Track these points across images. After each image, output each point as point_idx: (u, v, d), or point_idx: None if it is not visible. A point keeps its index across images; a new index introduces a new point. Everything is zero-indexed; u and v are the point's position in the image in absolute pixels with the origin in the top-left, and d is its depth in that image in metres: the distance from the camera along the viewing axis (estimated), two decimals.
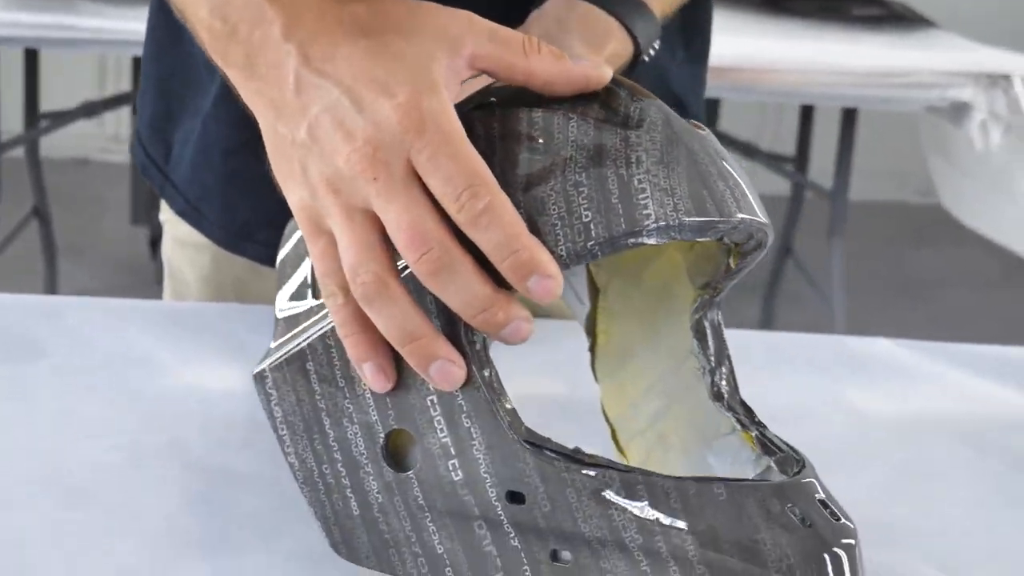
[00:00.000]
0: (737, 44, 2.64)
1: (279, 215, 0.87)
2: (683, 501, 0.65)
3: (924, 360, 1.11)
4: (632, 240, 0.66)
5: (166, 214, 1.25)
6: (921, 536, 0.85)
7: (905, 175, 3.90)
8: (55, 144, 4.07)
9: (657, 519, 0.65)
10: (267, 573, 0.74)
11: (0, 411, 0.92)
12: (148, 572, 0.72)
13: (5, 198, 2.97)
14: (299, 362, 0.74)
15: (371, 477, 0.72)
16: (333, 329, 0.73)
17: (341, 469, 0.73)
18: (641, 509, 0.66)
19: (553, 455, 0.68)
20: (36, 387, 0.95)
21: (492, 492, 0.68)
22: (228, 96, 1.09)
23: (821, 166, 3.19)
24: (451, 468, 0.69)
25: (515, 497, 0.68)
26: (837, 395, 1.06)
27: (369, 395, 0.72)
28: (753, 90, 2.78)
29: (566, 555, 0.68)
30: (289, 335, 0.76)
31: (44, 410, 0.92)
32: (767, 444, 0.74)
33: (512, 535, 0.68)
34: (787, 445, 0.74)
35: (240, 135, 1.10)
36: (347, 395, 0.72)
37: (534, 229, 0.67)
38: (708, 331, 0.80)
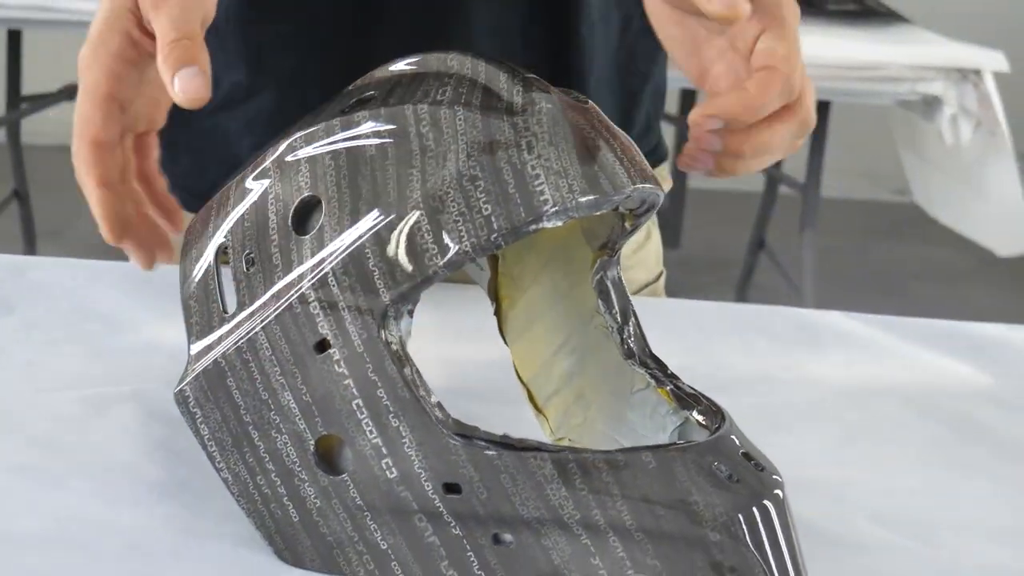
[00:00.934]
0: None
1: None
2: (615, 474, 0.66)
3: (877, 332, 1.12)
4: (533, 227, 0.68)
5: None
6: (866, 493, 0.86)
7: (880, 175, 3.93)
8: (36, 129, 4.04)
9: (592, 494, 0.66)
10: (227, 517, 0.74)
11: None
12: (107, 513, 0.72)
13: None
14: (218, 378, 0.74)
15: (306, 484, 0.72)
16: (249, 341, 0.73)
17: (276, 479, 0.73)
18: (575, 487, 0.67)
19: (484, 444, 0.69)
20: (3, 341, 0.96)
21: (428, 486, 0.69)
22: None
23: (796, 163, 3.20)
24: (385, 467, 0.69)
25: (451, 488, 0.69)
26: (791, 362, 1.07)
27: (294, 404, 0.72)
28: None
29: (508, 538, 0.69)
30: (205, 355, 0.76)
31: (10, 363, 0.92)
32: (683, 397, 0.76)
33: (452, 524, 0.69)
34: (704, 397, 0.75)
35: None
36: (271, 407, 0.72)
37: (436, 227, 0.68)
38: (611, 289, 0.81)
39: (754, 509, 0.67)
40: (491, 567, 0.70)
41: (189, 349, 0.75)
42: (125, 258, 1.39)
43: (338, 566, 0.73)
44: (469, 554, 0.70)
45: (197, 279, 0.77)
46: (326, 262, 0.70)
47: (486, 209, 0.69)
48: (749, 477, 0.69)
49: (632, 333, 0.82)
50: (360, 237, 0.70)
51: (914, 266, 3.99)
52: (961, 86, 2.66)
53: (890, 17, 3.12)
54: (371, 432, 0.70)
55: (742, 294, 3.62)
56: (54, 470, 0.78)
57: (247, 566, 0.72)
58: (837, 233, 4.24)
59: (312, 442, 0.71)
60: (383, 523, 0.71)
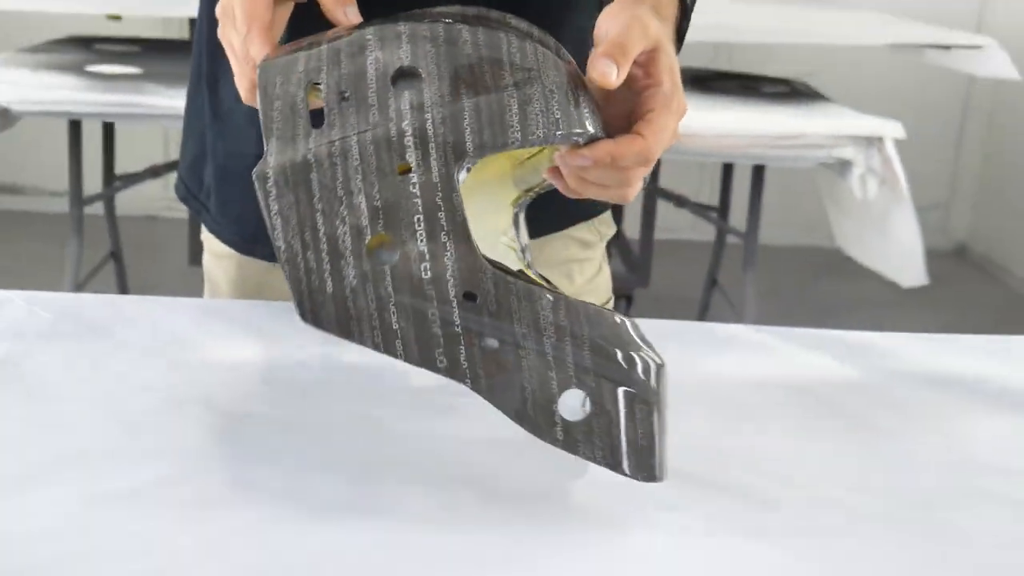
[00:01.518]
0: None
1: None
2: (587, 314, 0.75)
3: (771, 339, 1.15)
4: (578, 137, 0.80)
5: (204, 234, 1.28)
6: (742, 451, 0.90)
7: (813, 224, 3.94)
8: (127, 202, 4.01)
9: (568, 319, 0.74)
10: (278, 482, 0.78)
11: (77, 373, 0.95)
12: (179, 479, 0.78)
13: (87, 245, 2.96)
14: (303, 169, 0.77)
15: (350, 266, 0.76)
16: (342, 148, 0.77)
17: (324, 256, 0.76)
18: (559, 315, 0.75)
19: (505, 271, 0.76)
20: (103, 358, 0.99)
21: (452, 291, 0.75)
22: (237, 141, 1.18)
23: (740, 216, 3.22)
24: (423, 269, 0.75)
25: (469, 296, 0.75)
26: (698, 364, 1.09)
27: (364, 205, 0.76)
28: (685, 152, 2.79)
29: (492, 344, 0.75)
30: (288, 148, 0.79)
31: (106, 373, 0.96)
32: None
33: (456, 324, 0.74)
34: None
35: (242, 164, 1.13)
36: (343, 202, 0.76)
37: (523, 114, 0.78)
38: (520, 222, 0.90)
39: (664, 370, 0.77)
40: (474, 360, 0.75)
41: (268, 146, 0.79)
42: (196, 294, 1.44)
43: (350, 334, 0.77)
44: (460, 348, 0.75)
45: (283, 97, 0.81)
46: (427, 111, 0.76)
47: (557, 114, 0.78)
48: (653, 351, 0.78)
49: (528, 253, 0.93)
50: (460, 104, 0.77)
51: (844, 298, 3.96)
52: (867, 151, 2.67)
53: (812, 96, 3.14)
54: (421, 241, 0.75)
55: (701, 321, 3.62)
56: (141, 449, 0.83)
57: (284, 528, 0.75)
58: (779, 272, 4.22)
59: (368, 236, 0.76)
60: (402, 310, 0.75)
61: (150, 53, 3.14)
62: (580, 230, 1.25)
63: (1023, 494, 0.87)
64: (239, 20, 0.86)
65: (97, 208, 3.28)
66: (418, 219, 0.75)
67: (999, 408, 1.03)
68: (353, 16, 0.86)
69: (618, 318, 0.79)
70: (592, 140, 0.81)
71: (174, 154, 4.21)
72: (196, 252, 3.55)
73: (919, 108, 4.65)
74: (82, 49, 3.11)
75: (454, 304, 0.75)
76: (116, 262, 3.45)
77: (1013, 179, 4.71)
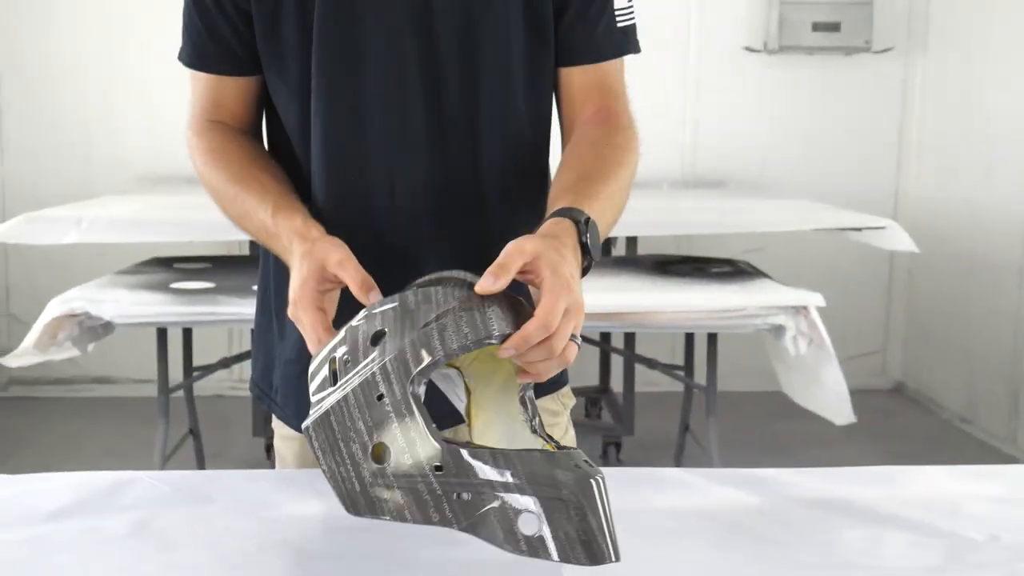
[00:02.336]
0: (639, 297, 2.81)
1: None
2: (523, 462, 0.88)
3: (696, 479, 1.22)
4: (488, 341, 0.91)
5: (275, 422, 1.38)
6: (666, 565, 0.99)
7: (770, 373, 4.01)
8: (200, 385, 3.99)
9: (511, 473, 0.88)
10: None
11: (194, 529, 1.05)
12: None
13: (172, 423, 3.04)
14: (326, 416, 0.94)
15: (365, 470, 0.92)
16: (343, 397, 0.92)
17: (349, 468, 0.93)
18: (504, 469, 0.88)
19: (458, 446, 0.90)
20: (211, 518, 1.09)
21: (427, 467, 0.90)
22: (294, 354, 1.31)
23: (702, 372, 3.22)
24: (406, 458, 0.90)
25: (438, 468, 0.90)
26: (641, 500, 1.16)
27: (363, 427, 0.91)
28: (650, 325, 2.86)
29: (466, 496, 0.89)
30: (317, 403, 0.95)
31: (216, 527, 1.07)
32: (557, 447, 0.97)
33: (436, 487, 0.89)
34: (563, 446, 0.96)
35: (301, 369, 1.23)
36: (351, 429, 0.92)
37: (442, 339, 0.90)
38: (527, 401, 1.01)
39: (591, 481, 0.88)
40: (456, 511, 0.89)
41: (311, 400, 0.96)
42: (259, 459, 1.52)
43: (376, 512, 0.92)
44: (444, 503, 0.89)
45: (319, 369, 0.98)
46: (387, 357, 0.92)
47: (466, 330, 0.92)
48: (588, 469, 0.89)
49: (538, 423, 1.01)
50: (405, 346, 0.92)
51: (798, 435, 3.88)
52: (796, 317, 2.69)
53: (752, 273, 3.16)
54: (401, 441, 0.91)
55: (678, 460, 3.60)
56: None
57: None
58: (743, 415, 4.20)
59: (371, 447, 0.92)
60: (402, 486, 0.91)
61: (219, 267, 3.23)
62: (546, 402, 1.33)
63: None
64: (299, 310, 1.05)
65: (178, 394, 3.31)
66: (395, 428, 0.92)
67: (874, 522, 1.11)
68: (374, 298, 1.02)
69: (548, 452, 0.91)
70: (505, 337, 0.93)
71: (237, 348, 4.30)
72: (258, 425, 3.63)
73: (854, 274, 4.78)
74: (165, 268, 3.20)
75: (431, 476, 0.90)
76: (195, 438, 3.51)
77: (935, 325, 4.74)
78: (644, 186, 4.47)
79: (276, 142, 1.31)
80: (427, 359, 0.92)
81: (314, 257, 1.06)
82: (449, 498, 0.91)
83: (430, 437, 0.91)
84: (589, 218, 1.07)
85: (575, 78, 1.29)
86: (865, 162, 4.87)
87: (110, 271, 3.15)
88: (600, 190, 1.14)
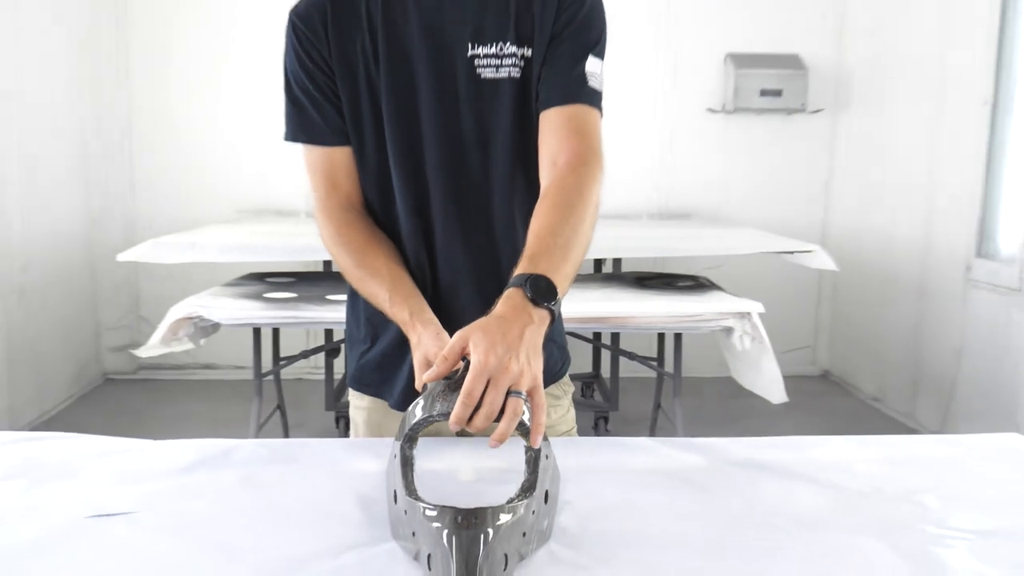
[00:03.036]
0: (622, 305, 2.79)
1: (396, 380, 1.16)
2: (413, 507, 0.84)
3: (658, 446, 1.22)
4: (428, 419, 0.89)
5: (350, 395, 1.38)
6: (630, 508, 0.98)
7: (722, 363, 3.95)
8: (287, 373, 4.15)
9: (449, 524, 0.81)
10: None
11: (288, 480, 1.06)
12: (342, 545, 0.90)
13: (263, 401, 3.01)
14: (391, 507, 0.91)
15: (395, 511, 0.90)
16: (388, 467, 0.92)
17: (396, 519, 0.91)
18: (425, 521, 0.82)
19: (422, 504, 0.84)
20: (300, 473, 1.09)
21: (410, 533, 0.86)
22: (375, 352, 1.32)
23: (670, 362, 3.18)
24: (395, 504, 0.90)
25: (406, 512, 0.87)
26: (616, 461, 1.15)
27: (399, 481, 0.90)
28: (631, 327, 2.80)
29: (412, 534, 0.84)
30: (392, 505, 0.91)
31: (306, 481, 1.05)
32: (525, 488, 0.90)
33: (404, 521, 0.86)
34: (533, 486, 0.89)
35: (378, 360, 1.28)
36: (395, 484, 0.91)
37: (424, 411, 0.88)
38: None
39: (453, 537, 0.79)
40: (412, 539, 0.85)
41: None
42: (331, 428, 1.55)
43: (399, 536, 0.89)
44: (429, 552, 0.82)
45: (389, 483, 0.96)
46: (405, 426, 0.92)
47: (425, 410, 0.91)
48: (463, 523, 0.79)
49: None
50: (405, 416, 0.93)
51: (746, 411, 3.83)
52: (741, 321, 2.70)
53: (710, 287, 3.13)
54: (400, 491, 0.90)
55: (652, 432, 3.56)
56: (333, 520, 0.94)
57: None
58: (704, 395, 4.24)
59: (397, 494, 0.90)
60: (411, 529, 0.86)
61: (300, 281, 3.24)
62: (551, 388, 1.36)
63: (794, 527, 0.96)
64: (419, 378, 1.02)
65: (269, 379, 3.29)
66: (399, 480, 0.92)
67: (787, 478, 1.12)
68: (418, 386, 1.01)
69: (430, 511, 0.83)
70: (447, 415, 0.89)
71: (313, 343, 4.29)
72: (329, 402, 3.63)
73: (792, 286, 4.79)
74: (258, 281, 3.21)
75: (402, 513, 0.89)
76: (281, 413, 3.54)
77: (853, 326, 4.72)
78: (627, 217, 4.60)
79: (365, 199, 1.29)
80: (405, 428, 0.93)
81: (419, 351, 1.08)
82: (407, 532, 0.89)
83: (413, 487, 0.91)
84: (528, 278, 0.99)
85: (551, 120, 1.17)
86: (801, 199, 4.85)
87: (217, 283, 3.16)
88: (556, 241, 1.04)
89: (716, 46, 4.70)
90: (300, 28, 1.20)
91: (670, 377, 3.10)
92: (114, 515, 0.98)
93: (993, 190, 3.51)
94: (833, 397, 4.60)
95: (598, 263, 4.12)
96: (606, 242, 3.46)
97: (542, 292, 0.99)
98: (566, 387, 1.41)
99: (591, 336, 3.93)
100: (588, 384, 4.23)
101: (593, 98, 1.19)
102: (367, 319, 1.31)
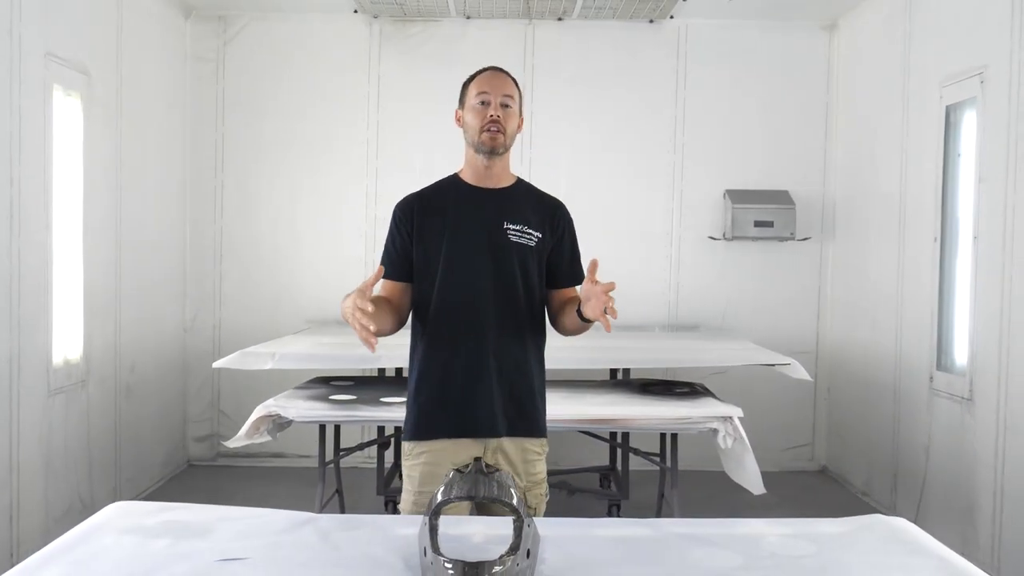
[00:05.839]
0: (628, 410, 2.97)
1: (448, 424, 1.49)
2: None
3: (646, 530, 1.41)
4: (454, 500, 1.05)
5: (406, 446, 1.71)
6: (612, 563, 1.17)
7: (717, 459, 3.86)
8: (345, 461, 4.19)
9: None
10: None
11: (344, 542, 1.26)
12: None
13: (325, 485, 3.11)
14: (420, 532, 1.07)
15: (425, 562, 1.08)
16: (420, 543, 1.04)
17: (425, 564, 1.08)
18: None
19: (442, 558, 1.03)
20: (353, 538, 1.29)
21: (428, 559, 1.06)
22: (424, 401, 1.71)
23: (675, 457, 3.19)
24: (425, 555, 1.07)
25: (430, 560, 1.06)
26: (617, 534, 1.32)
27: (427, 536, 1.05)
28: (635, 428, 2.94)
29: None
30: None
31: (356, 542, 1.26)
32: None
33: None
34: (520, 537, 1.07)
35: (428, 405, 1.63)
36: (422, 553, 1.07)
37: (443, 496, 1.00)
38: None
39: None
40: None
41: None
42: (381, 509, 1.93)
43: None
44: None
45: (421, 543, 1.14)
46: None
47: (454, 490, 1.11)
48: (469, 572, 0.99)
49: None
50: (430, 505, 1.11)
51: (744, 503, 3.41)
52: (725, 424, 2.80)
53: (702, 392, 3.22)
54: (426, 555, 1.09)
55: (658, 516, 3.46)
56: None
57: None
58: (703, 487, 4.13)
59: (427, 547, 1.09)
60: (435, 574, 1.06)
61: (359, 385, 3.40)
62: (533, 444, 1.67)
63: None
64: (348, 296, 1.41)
65: (330, 467, 3.47)
66: (428, 540, 1.12)
67: (712, 546, 1.32)
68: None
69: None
70: (463, 498, 1.08)
71: (367, 437, 4.41)
72: (379, 487, 3.76)
73: (790, 390, 4.82)
74: (324, 384, 3.36)
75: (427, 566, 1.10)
76: (339, 496, 3.72)
77: (845, 426, 4.78)
78: (643, 328, 4.82)
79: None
80: (432, 505, 1.15)
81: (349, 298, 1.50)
82: None
83: (435, 531, 1.13)
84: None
85: (559, 295, 1.81)
86: (794, 314, 4.96)
87: (291, 386, 3.33)
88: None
89: (716, 183, 4.94)
90: (398, 212, 1.83)
91: (670, 473, 3.19)
92: (236, 559, 1.24)
93: (946, 312, 3.73)
94: (827, 491, 4.61)
95: (613, 371, 4.26)
96: (624, 353, 3.70)
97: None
98: (544, 447, 1.73)
99: (607, 435, 4.05)
100: (605, 476, 4.29)
101: (579, 278, 1.81)
102: (419, 372, 1.74)
